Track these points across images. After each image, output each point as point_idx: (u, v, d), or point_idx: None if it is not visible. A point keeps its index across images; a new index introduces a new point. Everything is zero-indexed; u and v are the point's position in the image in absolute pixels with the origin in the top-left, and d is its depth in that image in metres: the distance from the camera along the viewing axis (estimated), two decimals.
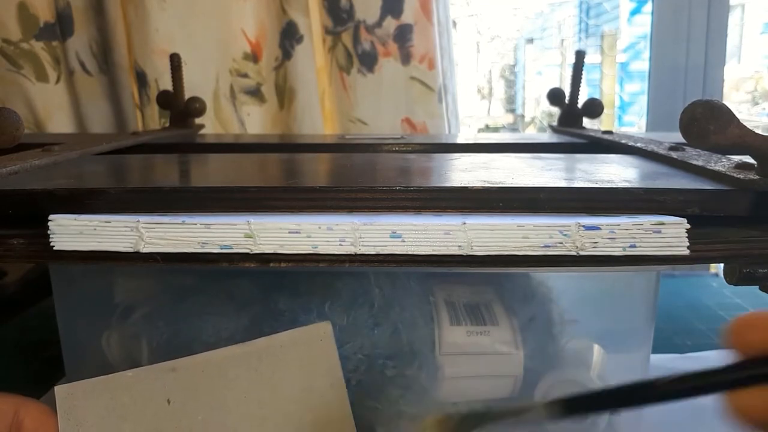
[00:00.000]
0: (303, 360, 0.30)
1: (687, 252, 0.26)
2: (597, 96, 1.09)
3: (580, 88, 0.61)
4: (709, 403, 0.46)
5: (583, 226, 0.26)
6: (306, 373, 0.30)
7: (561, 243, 0.26)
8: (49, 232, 0.26)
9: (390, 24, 0.73)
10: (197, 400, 0.29)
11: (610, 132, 0.52)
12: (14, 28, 0.72)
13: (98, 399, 0.28)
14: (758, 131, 0.27)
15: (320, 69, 0.76)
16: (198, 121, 0.62)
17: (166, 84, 0.62)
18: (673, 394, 0.19)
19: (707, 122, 0.27)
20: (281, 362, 0.30)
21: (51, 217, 0.26)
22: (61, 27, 0.74)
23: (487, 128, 1.42)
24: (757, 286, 0.28)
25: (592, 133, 0.53)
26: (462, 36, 1.35)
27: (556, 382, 0.36)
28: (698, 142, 0.28)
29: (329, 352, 0.30)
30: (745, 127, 0.27)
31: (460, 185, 0.29)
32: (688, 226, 0.26)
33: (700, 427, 0.41)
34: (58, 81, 0.75)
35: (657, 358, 0.50)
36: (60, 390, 0.28)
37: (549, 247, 0.26)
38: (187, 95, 0.60)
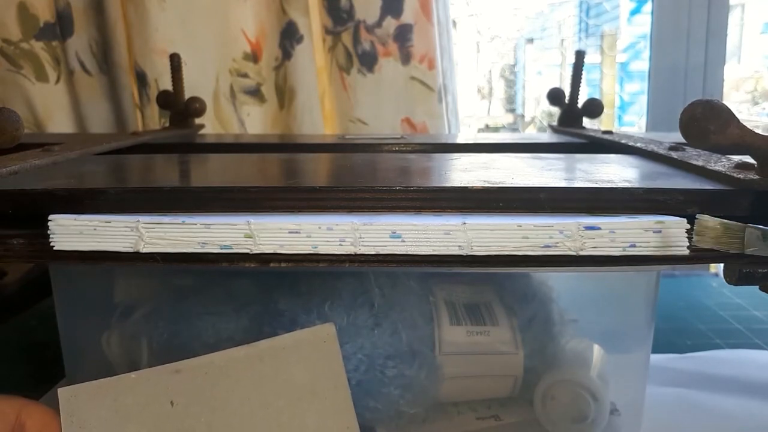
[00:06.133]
0: (307, 362, 0.30)
1: (687, 252, 0.26)
2: (597, 96, 1.09)
3: (580, 88, 0.61)
4: (708, 403, 0.46)
5: (583, 226, 0.26)
6: (310, 375, 0.30)
7: (561, 243, 0.26)
8: (49, 232, 0.26)
9: (390, 24, 0.73)
10: (201, 402, 0.28)
11: (610, 132, 0.52)
12: (14, 28, 0.72)
13: (101, 401, 0.28)
14: (758, 131, 0.27)
15: (320, 69, 0.76)
16: (198, 121, 0.62)
17: (166, 84, 0.62)
18: None
19: (707, 122, 0.27)
20: (285, 364, 0.30)
21: (51, 217, 0.26)
22: (61, 27, 0.74)
23: (487, 128, 1.42)
24: (757, 286, 0.28)
25: (592, 133, 0.53)
26: (462, 36, 1.35)
27: (556, 382, 0.36)
28: (698, 142, 0.28)
29: (333, 353, 0.30)
30: (745, 127, 0.27)
31: (460, 185, 0.29)
32: (688, 226, 0.26)
33: (700, 428, 0.41)
34: (58, 81, 0.75)
35: (657, 358, 0.50)
36: (63, 392, 0.27)
37: (549, 247, 0.26)
38: (187, 95, 0.60)
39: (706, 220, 0.25)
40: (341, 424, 0.30)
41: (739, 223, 0.24)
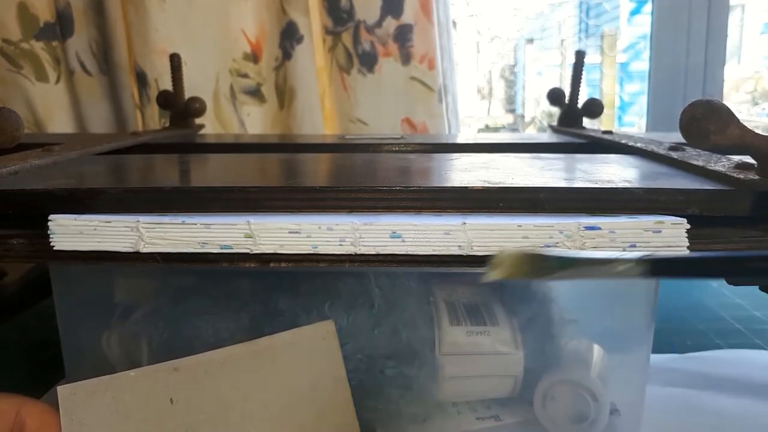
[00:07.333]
0: (306, 359, 0.30)
1: (687, 252, 0.26)
2: (597, 96, 1.09)
3: (580, 88, 0.61)
4: (709, 403, 0.46)
5: (583, 226, 0.26)
6: (309, 372, 0.30)
7: (561, 243, 0.26)
8: (49, 232, 0.26)
9: (390, 24, 0.73)
10: (200, 399, 0.29)
11: (610, 132, 0.52)
12: (14, 28, 0.72)
13: (101, 399, 0.28)
14: (758, 131, 0.27)
15: (320, 69, 0.76)
16: (198, 121, 0.62)
17: (166, 84, 0.62)
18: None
19: (707, 122, 0.27)
20: (284, 361, 0.30)
21: (51, 217, 0.26)
22: (61, 27, 0.74)
23: (487, 128, 1.42)
24: (757, 286, 0.28)
25: (592, 133, 0.53)
26: (462, 36, 1.35)
27: (556, 382, 0.36)
28: (698, 142, 0.28)
29: (332, 351, 0.30)
30: (745, 127, 0.27)
31: (460, 185, 0.29)
32: (688, 226, 0.26)
33: (700, 428, 0.41)
34: (58, 81, 0.75)
35: (657, 358, 0.50)
36: (63, 390, 0.27)
37: (549, 247, 0.26)
38: (187, 95, 0.60)
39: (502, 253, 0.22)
40: (341, 421, 0.30)
41: (526, 253, 0.22)
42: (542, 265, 0.21)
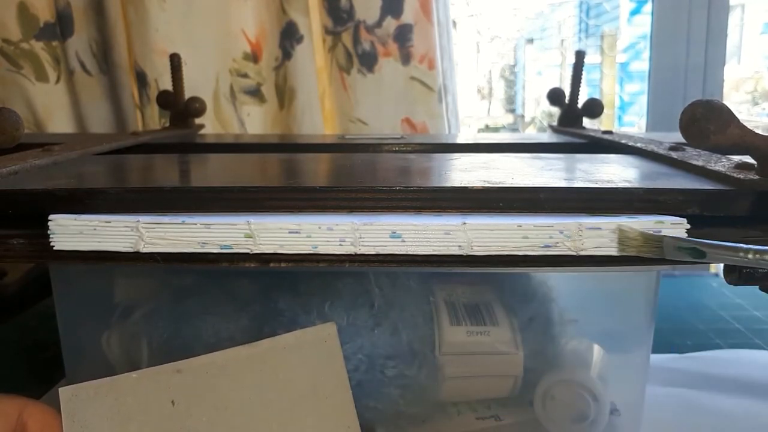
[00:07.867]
0: (308, 361, 0.30)
1: None
2: (597, 96, 1.09)
3: (580, 88, 0.61)
4: (708, 403, 0.46)
5: (584, 226, 0.26)
6: (311, 375, 0.30)
7: (561, 243, 0.26)
8: (49, 232, 0.26)
9: (390, 24, 0.73)
10: (202, 401, 0.29)
11: (610, 132, 0.52)
12: (14, 28, 0.72)
13: (102, 400, 0.28)
14: (758, 131, 0.27)
15: (320, 69, 0.76)
16: (198, 121, 0.62)
17: (166, 84, 0.62)
18: None
19: (707, 122, 0.27)
20: (286, 364, 0.30)
21: (51, 217, 0.26)
22: (61, 27, 0.74)
23: (487, 128, 1.42)
24: (757, 286, 0.28)
25: (592, 133, 0.53)
26: (462, 36, 1.35)
27: (556, 382, 0.36)
28: (698, 142, 0.28)
29: (334, 353, 0.30)
30: (746, 127, 0.27)
31: (460, 185, 0.29)
32: (688, 226, 0.26)
33: (700, 428, 0.41)
34: (58, 81, 0.75)
35: (657, 358, 0.50)
36: (64, 392, 0.27)
37: (549, 247, 0.26)
38: (187, 95, 0.60)
39: (627, 231, 0.26)
40: (342, 424, 0.30)
41: (656, 234, 0.25)
42: (671, 248, 0.24)
